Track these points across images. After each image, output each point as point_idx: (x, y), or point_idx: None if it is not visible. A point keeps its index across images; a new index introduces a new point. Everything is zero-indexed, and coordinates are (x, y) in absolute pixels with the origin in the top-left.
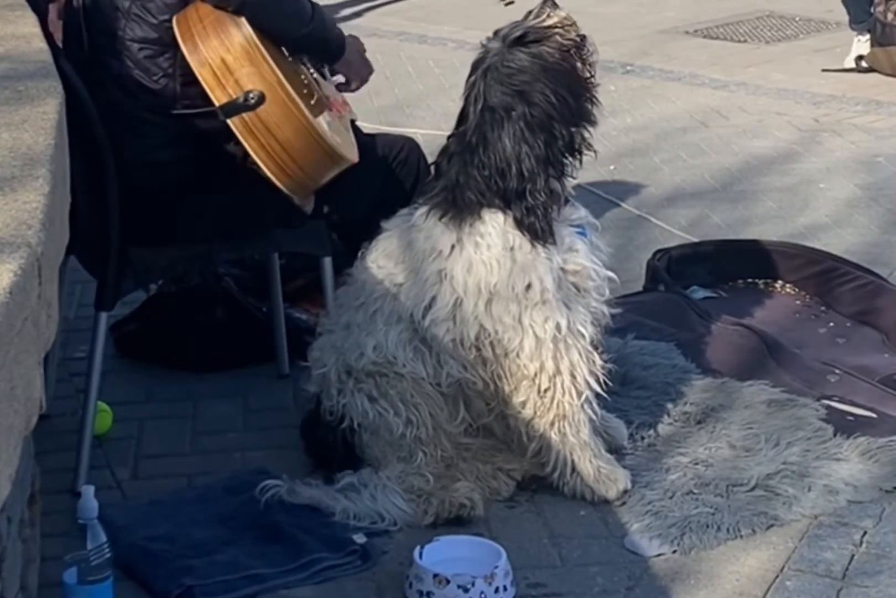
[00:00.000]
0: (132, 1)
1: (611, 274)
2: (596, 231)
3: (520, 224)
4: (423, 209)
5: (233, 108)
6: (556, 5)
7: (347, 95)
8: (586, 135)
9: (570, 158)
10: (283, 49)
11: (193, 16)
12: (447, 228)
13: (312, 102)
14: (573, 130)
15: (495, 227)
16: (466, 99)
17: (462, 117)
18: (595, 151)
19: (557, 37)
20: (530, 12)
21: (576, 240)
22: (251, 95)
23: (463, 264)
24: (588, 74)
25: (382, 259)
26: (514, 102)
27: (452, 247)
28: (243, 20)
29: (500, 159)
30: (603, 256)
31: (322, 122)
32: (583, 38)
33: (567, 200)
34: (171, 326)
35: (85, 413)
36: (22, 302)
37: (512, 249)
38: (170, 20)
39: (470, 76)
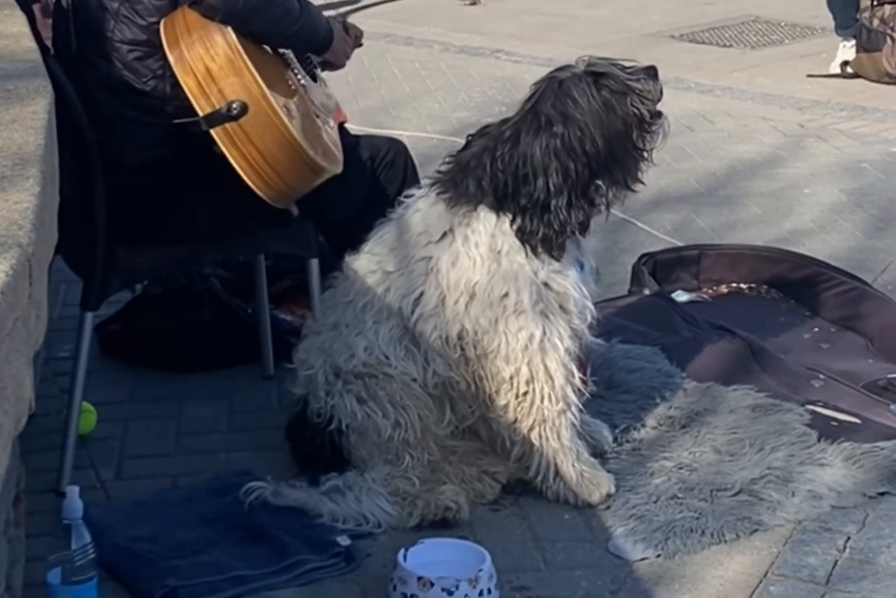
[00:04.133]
0: (120, 2)
1: (591, 307)
2: (591, 274)
3: (523, 232)
4: (428, 184)
5: (216, 118)
6: (656, 76)
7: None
8: (609, 193)
9: (584, 203)
10: (271, 51)
11: (180, 22)
12: (444, 211)
13: (298, 110)
14: (596, 180)
15: (486, 226)
16: (529, 95)
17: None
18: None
19: (631, 100)
20: (629, 66)
21: (569, 266)
22: (234, 106)
23: (449, 257)
24: (641, 145)
25: (377, 246)
26: (557, 120)
27: (444, 234)
28: (229, 29)
29: (525, 165)
30: (588, 293)
31: (306, 131)
32: (655, 115)
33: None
34: (155, 326)
35: (69, 413)
36: (13, 302)
37: (499, 252)
38: (158, 22)
39: (541, 78)
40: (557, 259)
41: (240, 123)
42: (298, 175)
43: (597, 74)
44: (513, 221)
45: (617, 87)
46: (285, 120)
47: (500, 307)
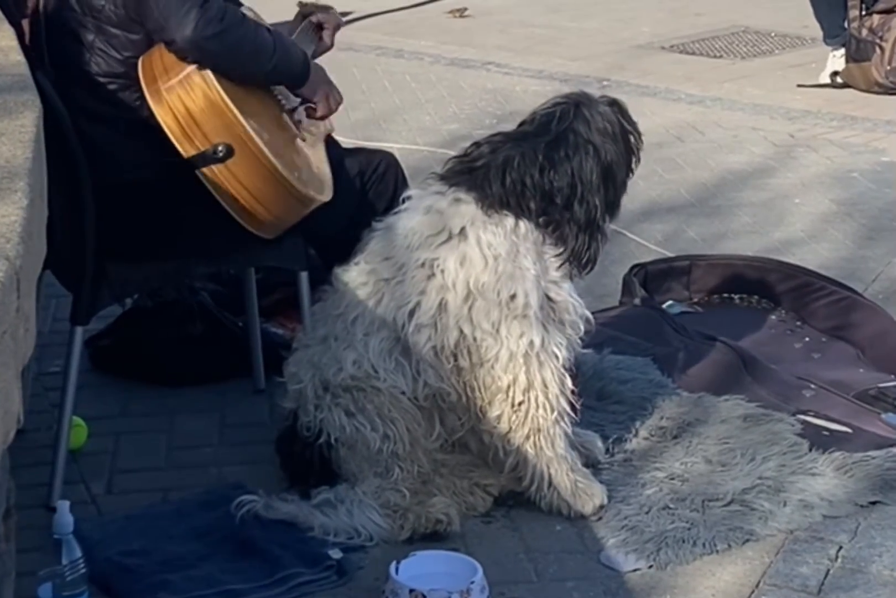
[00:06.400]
0: (96, 35)
1: (588, 314)
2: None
3: (573, 250)
4: (445, 184)
5: (201, 160)
6: None
7: None
8: (606, 218)
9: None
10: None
11: (158, 62)
12: (470, 210)
13: (284, 141)
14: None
15: (504, 229)
16: (543, 113)
17: (529, 122)
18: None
19: (635, 139)
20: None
21: (566, 277)
22: (219, 149)
23: (457, 257)
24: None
25: (368, 256)
26: (595, 142)
27: (462, 229)
28: (207, 70)
29: (582, 183)
30: (581, 302)
31: (294, 164)
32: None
33: None
34: (146, 340)
35: (60, 428)
36: (0, 316)
37: (509, 255)
38: (135, 56)
39: (558, 100)
40: (584, 273)
41: (226, 164)
42: (287, 208)
43: (617, 109)
44: (542, 228)
45: (630, 126)
46: (272, 158)
47: (506, 308)
